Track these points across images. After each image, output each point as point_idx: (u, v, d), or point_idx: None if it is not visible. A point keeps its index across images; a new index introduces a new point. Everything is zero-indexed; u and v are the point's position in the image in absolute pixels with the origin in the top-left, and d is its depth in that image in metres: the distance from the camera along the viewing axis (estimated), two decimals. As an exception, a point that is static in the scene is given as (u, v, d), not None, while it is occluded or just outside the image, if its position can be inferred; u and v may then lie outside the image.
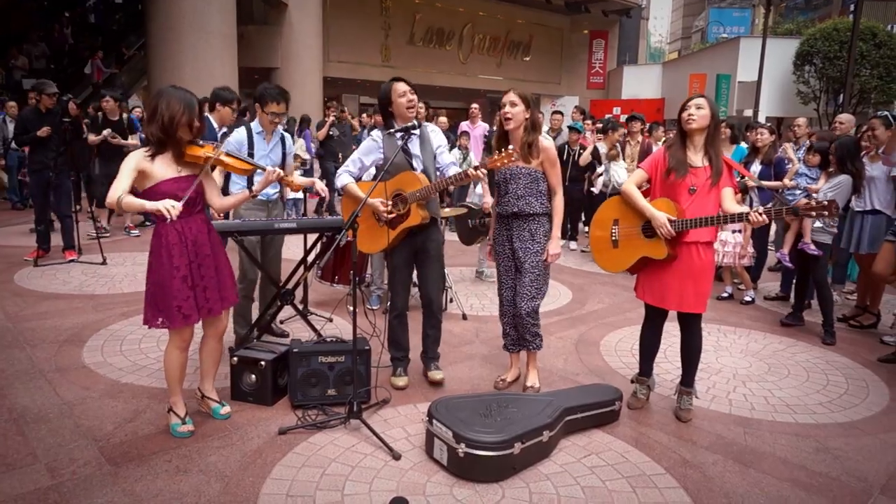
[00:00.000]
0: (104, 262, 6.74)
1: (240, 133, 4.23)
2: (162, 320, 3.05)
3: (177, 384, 3.24)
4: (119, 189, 2.89)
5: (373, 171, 3.94)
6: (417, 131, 3.72)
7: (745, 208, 3.31)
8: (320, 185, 3.83)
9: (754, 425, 3.58)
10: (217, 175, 3.84)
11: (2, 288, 5.80)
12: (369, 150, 3.79)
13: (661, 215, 3.32)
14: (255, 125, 4.27)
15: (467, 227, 6.10)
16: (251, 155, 4.21)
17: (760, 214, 3.06)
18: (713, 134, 3.39)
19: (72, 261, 6.82)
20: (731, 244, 5.88)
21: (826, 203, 2.95)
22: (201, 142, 3.13)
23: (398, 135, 3.62)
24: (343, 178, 3.81)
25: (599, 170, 8.06)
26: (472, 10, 27.58)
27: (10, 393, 3.64)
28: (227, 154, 3.20)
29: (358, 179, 3.86)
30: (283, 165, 4.40)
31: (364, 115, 10.59)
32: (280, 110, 4.19)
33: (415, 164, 3.74)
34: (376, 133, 3.85)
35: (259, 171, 3.37)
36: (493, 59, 29.15)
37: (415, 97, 3.71)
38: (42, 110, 6.74)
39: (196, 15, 14.00)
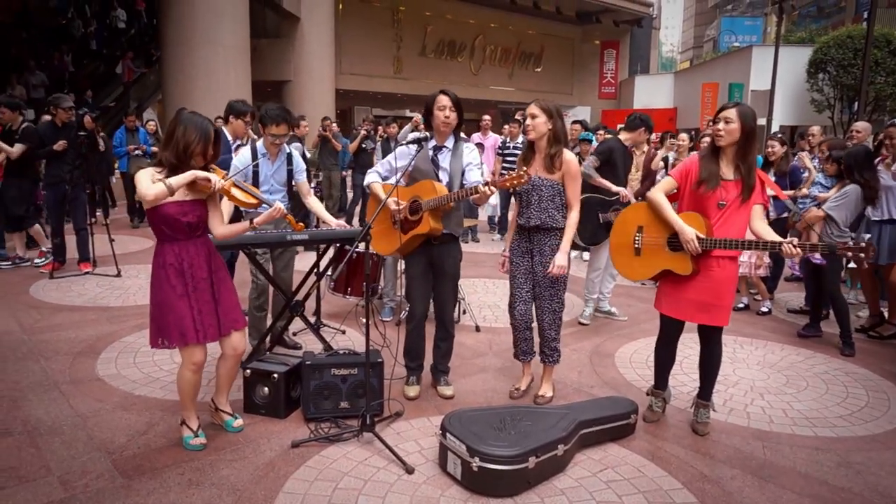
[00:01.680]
0: (118, 275, 6.78)
1: (244, 154, 4.24)
2: (162, 340, 3.05)
3: (190, 401, 3.24)
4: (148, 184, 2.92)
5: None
6: (432, 143, 3.76)
7: (774, 235, 3.19)
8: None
9: (773, 439, 3.52)
10: (226, 204, 3.79)
11: (18, 300, 5.85)
12: (401, 155, 3.82)
13: (689, 230, 3.22)
14: (260, 146, 4.28)
15: (595, 221, 5.25)
16: (256, 174, 4.22)
17: (795, 247, 3.00)
18: (744, 147, 3.25)
19: (86, 273, 6.87)
20: (746, 254, 5.82)
21: (863, 245, 2.89)
22: (212, 168, 3.14)
23: (411, 146, 3.68)
24: (369, 177, 3.95)
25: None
26: (483, 22, 27.72)
27: (25, 405, 3.65)
28: (235, 185, 3.19)
29: (385, 180, 3.92)
30: (288, 184, 4.39)
31: (380, 126, 10.66)
32: (280, 132, 4.17)
33: (441, 176, 3.76)
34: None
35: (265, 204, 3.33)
36: (505, 70, 29.25)
37: (453, 114, 3.69)
38: (58, 124, 6.81)
39: (209, 28, 14.16)
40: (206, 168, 3.11)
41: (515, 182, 3.34)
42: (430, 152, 3.78)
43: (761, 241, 3.17)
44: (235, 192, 3.18)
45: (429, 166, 3.76)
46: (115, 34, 19.26)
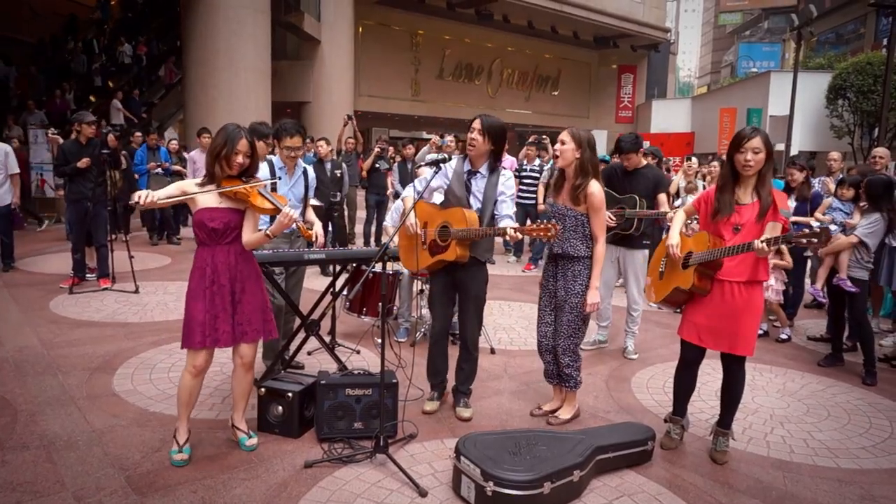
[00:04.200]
0: (136, 291, 6.83)
1: (261, 170, 4.27)
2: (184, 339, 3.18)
3: (184, 409, 3.26)
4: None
5: (437, 195, 3.99)
6: (448, 165, 3.81)
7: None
8: (319, 232, 3.79)
9: (794, 469, 3.45)
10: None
11: (38, 315, 5.91)
12: (440, 175, 3.85)
13: (673, 239, 3.36)
14: (276, 161, 4.32)
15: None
16: (273, 189, 4.24)
17: (762, 243, 2.99)
18: (766, 173, 3.25)
19: (105, 289, 6.94)
20: (771, 278, 5.73)
21: (818, 230, 2.87)
22: (244, 178, 3.21)
23: (428, 168, 3.72)
24: (406, 191, 4.00)
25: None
26: (500, 46, 27.97)
27: (42, 419, 3.67)
28: (260, 194, 3.21)
29: (420, 197, 3.88)
30: (304, 199, 4.45)
31: (391, 147, 10.70)
32: (295, 144, 4.24)
33: (472, 202, 3.77)
34: (452, 161, 3.94)
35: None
36: (522, 93, 29.44)
37: (480, 137, 3.67)
38: (82, 141, 6.93)
39: (231, 50, 14.44)
40: (245, 175, 3.20)
41: (542, 234, 3.31)
42: (465, 176, 3.79)
43: (733, 246, 3.15)
44: (256, 199, 3.18)
45: (462, 190, 3.77)
46: (122, 70, 19.43)
